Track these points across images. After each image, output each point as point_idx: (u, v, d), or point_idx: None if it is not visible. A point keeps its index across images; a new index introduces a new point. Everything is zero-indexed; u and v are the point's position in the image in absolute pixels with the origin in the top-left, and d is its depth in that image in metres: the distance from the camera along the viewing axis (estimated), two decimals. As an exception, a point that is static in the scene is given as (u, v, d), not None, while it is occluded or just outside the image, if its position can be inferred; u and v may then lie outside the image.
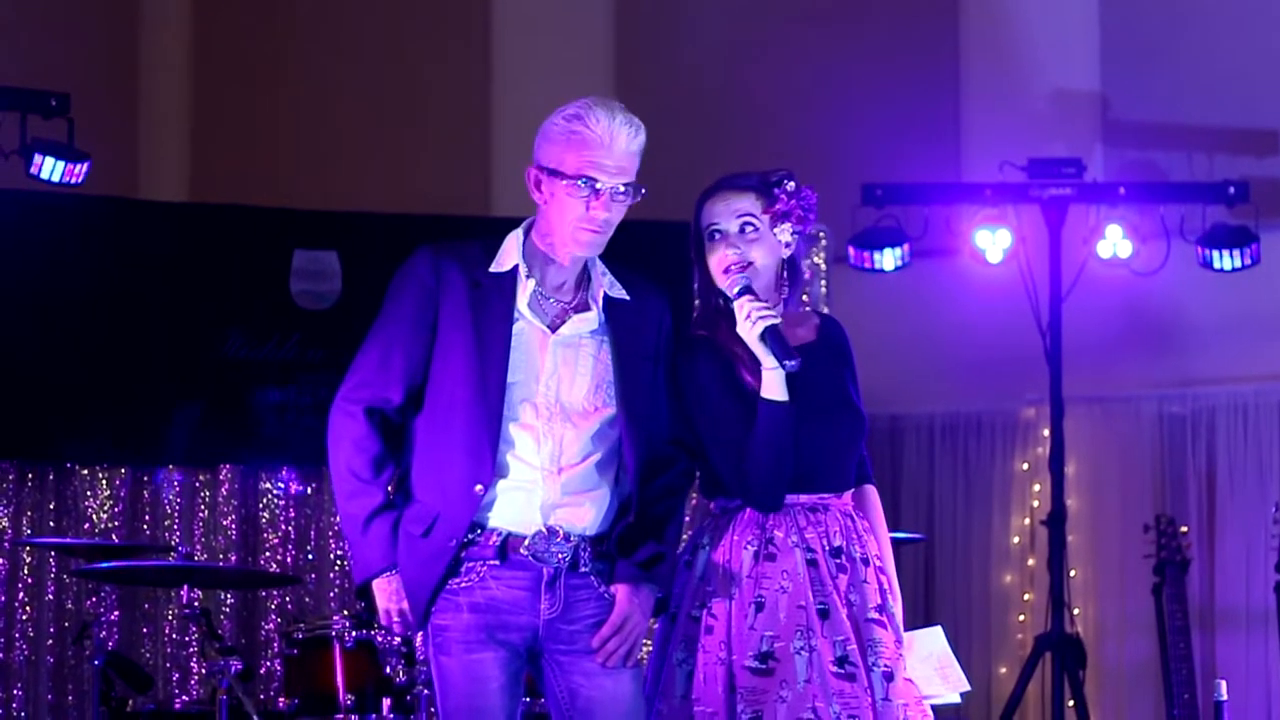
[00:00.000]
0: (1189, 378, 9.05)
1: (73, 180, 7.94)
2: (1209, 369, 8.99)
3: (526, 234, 4.26)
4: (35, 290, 8.31)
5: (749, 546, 4.35)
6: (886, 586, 4.41)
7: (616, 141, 4.15)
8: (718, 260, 4.41)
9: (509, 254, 4.24)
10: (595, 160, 4.14)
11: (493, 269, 4.22)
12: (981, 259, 8.65)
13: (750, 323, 4.31)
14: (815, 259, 8.86)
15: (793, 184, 4.43)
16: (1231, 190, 8.49)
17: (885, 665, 4.29)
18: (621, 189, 4.17)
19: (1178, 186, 8.76)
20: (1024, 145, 8.77)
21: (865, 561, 4.39)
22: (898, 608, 4.44)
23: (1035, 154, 8.63)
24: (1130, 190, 8.62)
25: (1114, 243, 8.59)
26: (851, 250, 8.66)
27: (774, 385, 4.32)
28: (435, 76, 9.90)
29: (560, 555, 4.17)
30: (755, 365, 4.34)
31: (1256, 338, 8.91)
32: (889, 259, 8.63)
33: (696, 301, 4.55)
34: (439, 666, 4.18)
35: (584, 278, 4.28)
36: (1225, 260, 8.52)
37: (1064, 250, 8.48)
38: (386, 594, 4.21)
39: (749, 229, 4.42)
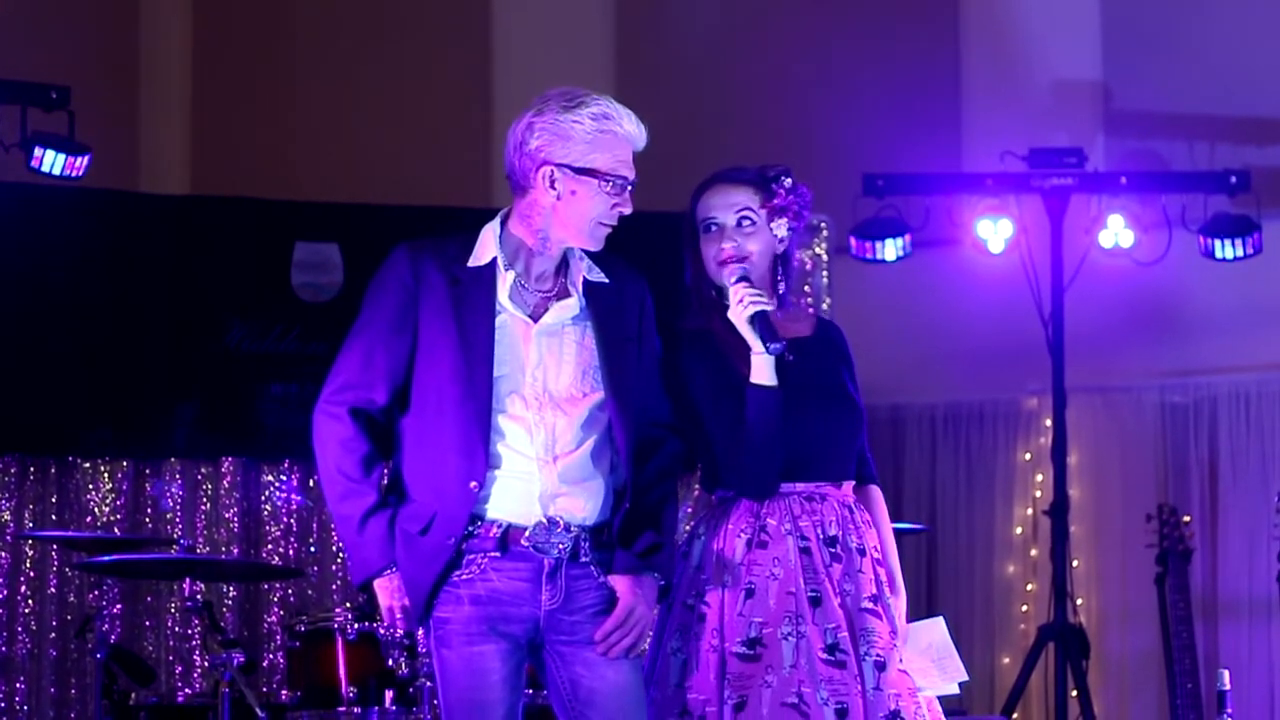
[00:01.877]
0: (1191, 367, 9.04)
1: (73, 173, 7.93)
2: (1211, 358, 8.99)
3: (503, 225, 4.26)
4: (36, 284, 8.30)
5: (742, 534, 4.35)
6: (884, 578, 4.41)
7: (642, 140, 4.22)
8: (714, 253, 4.43)
9: (486, 247, 4.23)
10: (627, 159, 4.21)
11: (471, 263, 4.21)
12: (983, 249, 8.64)
13: (742, 306, 4.33)
14: (816, 249, 8.86)
15: (790, 180, 4.45)
16: (1233, 179, 8.47)
17: (878, 655, 4.29)
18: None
19: (1179, 176, 8.76)
20: (1025, 135, 8.76)
21: (862, 552, 4.38)
22: (899, 601, 4.44)
23: (1036, 144, 8.62)
24: (1132, 180, 8.61)
25: (1116, 232, 8.59)
26: (853, 241, 8.65)
27: (762, 370, 4.33)
28: (436, 67, 9.88)
29: (561, 546, 4.17)
30: (748, 355, 4.34)
31: (1258, 327, 8.91)
32: (890, 249, 8.62)
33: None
34: (440, 659, 4.18)
35: (562, 264, 4.28)
36: (1227, 249, 8.51)
37: (1066, 240, 8.48)
38: (388, 592, 4.20)
39: (746, 222, 4.43)
